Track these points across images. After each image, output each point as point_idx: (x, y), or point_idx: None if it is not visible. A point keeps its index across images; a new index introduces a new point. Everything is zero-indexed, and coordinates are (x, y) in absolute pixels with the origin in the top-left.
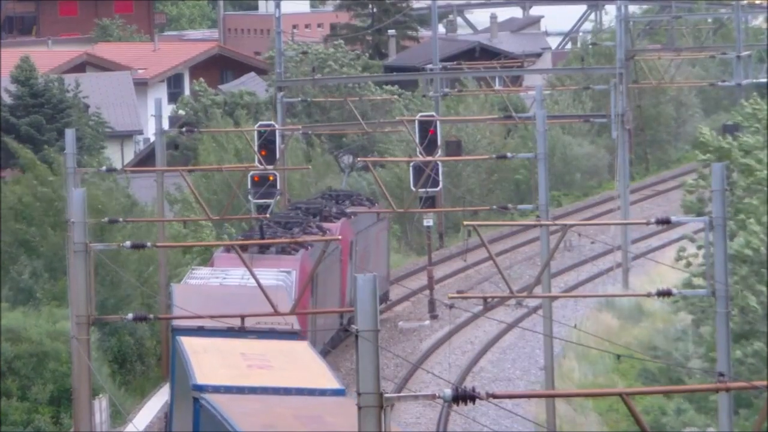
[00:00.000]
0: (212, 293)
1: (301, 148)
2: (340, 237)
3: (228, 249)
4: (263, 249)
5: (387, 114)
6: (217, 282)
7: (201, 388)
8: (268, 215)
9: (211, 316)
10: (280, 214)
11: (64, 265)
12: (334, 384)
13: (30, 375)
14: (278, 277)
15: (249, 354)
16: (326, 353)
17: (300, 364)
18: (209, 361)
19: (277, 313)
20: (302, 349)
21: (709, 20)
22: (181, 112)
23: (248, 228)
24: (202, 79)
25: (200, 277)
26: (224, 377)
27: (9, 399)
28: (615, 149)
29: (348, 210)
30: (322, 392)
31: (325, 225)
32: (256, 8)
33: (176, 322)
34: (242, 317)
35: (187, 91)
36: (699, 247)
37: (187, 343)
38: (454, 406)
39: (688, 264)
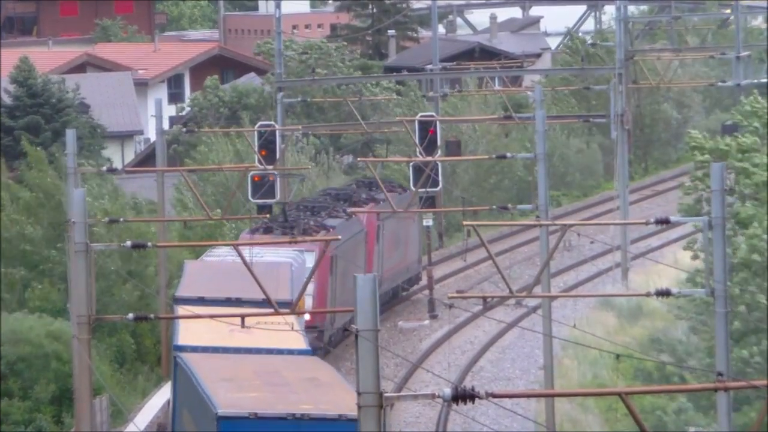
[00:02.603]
0: (221, 269)
1: (305, 150)
2: (339, 237)
3: (253, 231)
4: (285, 231)
5: (386, 114)
6: (231, 259)
7: (180, 348)
8: (268, 216)
9: (211, 316)
10: (309, 198)
11: (55, 267)
12: (302, 345)
13: (33, 376)
14: (290, 255)
15: (235, 319)
16: (327, 352)
17: (277, 333)
18: (196, 326)
19: (277, 312)
20: (285, 318)
21: (709, 20)
22: (187, 108)
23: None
24: (216, 76)
25: (218, 255)
26: (204, 339)
27: (11, 399)
28: (613, 149)
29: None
30: (290, 352)
31: (352, 210)
32: (256, 9)
33: (179, 293)
34: (242, 317)
35: (187, 92)
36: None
37: (183, 311)
38: (454, 406)
39: (696, 256)
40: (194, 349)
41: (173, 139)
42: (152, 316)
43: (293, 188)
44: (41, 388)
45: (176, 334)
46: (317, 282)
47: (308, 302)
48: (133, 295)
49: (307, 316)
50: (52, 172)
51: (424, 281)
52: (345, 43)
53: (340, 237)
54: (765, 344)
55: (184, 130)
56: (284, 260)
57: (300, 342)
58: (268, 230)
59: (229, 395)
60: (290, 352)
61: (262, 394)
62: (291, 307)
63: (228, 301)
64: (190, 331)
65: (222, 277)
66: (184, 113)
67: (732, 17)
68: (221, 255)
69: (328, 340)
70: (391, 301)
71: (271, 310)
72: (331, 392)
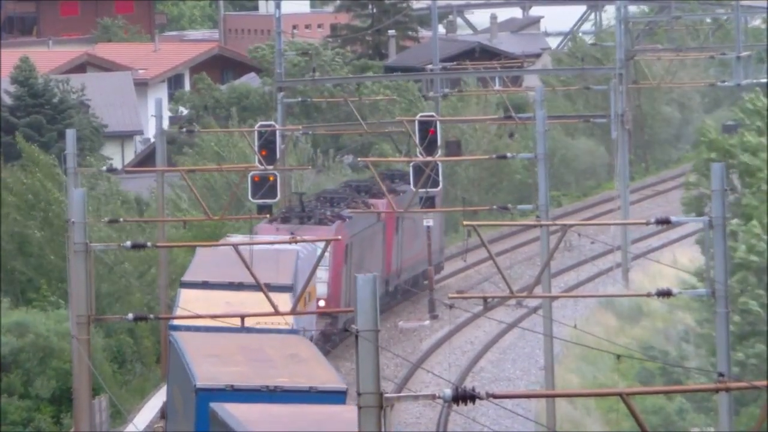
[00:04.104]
0: (228, 255)
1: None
2: (339, 237)
3: (272, 220)
4: (303, 220)
5: (386, 115)
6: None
7: (175, 328)
8: (268, 215)
9: (212, 316)
10: (330, 189)
11: (54, 266)
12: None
13: (34, 370)
14: (300, 243)
15: (233, 302)
16: (327, 352)
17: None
18: (193, 306)
19: (277, 312)
20: (282, 300)
21: (708, 20)
22: (183, 109)
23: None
24: (204, 73)
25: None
26: (199, 319)
27: (11, 396)
28: (614, 149)
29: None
30: (278, 331)
31: (372, 201)
32: (256, 9)
33: (185, 277)
34: (242, 317)
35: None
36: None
37: (185, 294)
38: (454, 406)
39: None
40: (187, 328)
41: (170, 139)
42: (152, 316)
43: (308, 181)
44: (41, 383)
45: (174, 313)
46: (332, 270)
47: (322, 289)
48: (135, 295)
49: (321, 302)
50: (39, 174)
51: (446, 271)
52: (337, 48)
53: (340, 237)
54: (760, 348)
55: (183, 129)
56: (290, 248)
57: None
58: (286, 219)
59: (211, 369)
60: (279, 331)
61: (242, 369)
62: (291, 291)
63: (231, 285)
64: (187, 311)
65: (228, 263)
66: (181, 113)
67: (727, 18)
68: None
69: (343, 327)
70: (413, 289)
71: (271, 311)
72: (308, 367)
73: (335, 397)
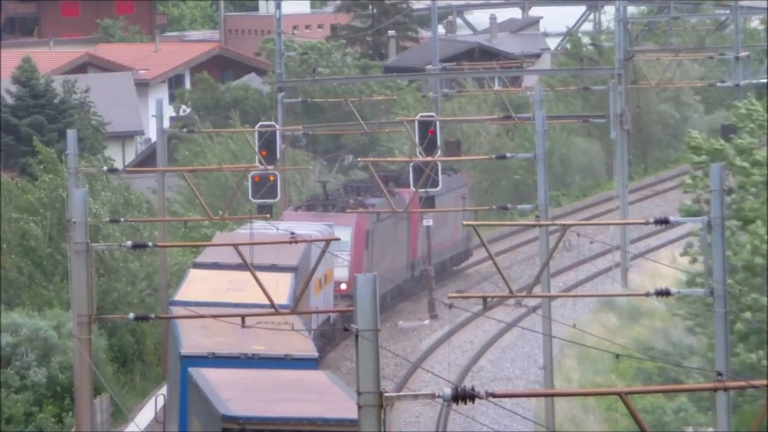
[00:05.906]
0: (242, 239)
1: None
2: (339, 238)
3: (296, 208)
4: (327, 208)
5: (386, 114)
6: (264, 231)
7: (176, 303)
8: (268, 216)
9: (212, 316)
10: (356, 179)
11: (55, 266)
12: (284, 302)
13: (31, 364)
14: (318, 228)
15: (235, 281)
16: (327, 353)
17: (270, 290)
18: (197, 285)
19: (277, 312)
20: (283, 280)
21: (708, 21)
22: (184, 107)
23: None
24: (204, 72)
25: (247, 228)
26: (199, 296)
27: (8, 389)
28: (613, 149)
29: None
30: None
31: (398, 190)
32: (256, 9)
33: (198, 259)
34: (242, 317)
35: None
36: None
37: (192, 273)
38: (454, 406)
39: (694, 260)
40: (186, 304)
41: (171, 136)
42: (153, 315)
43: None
44: (35, 372)
45: (177, 290)
46: (353, 255)
47: (343, 273)
48: (138, 295)
49: (343, 286)
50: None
51: (473, 258)
52: (344, 42)
53: (340, 237)
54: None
55: (185, 129)
56: (305, 231)
57: (283, 301)
58: (310, 207)
59: (197, 339)
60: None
61: (226, 339)
62: (294, 272)
63: (238, 266)
64: (189, 290)
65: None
66: (184, 111)
67: (729, 18)
68: (255, 228)
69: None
70: (440, 274)
71: (271, 309)
72: (287, 337)
73: (307, 363)
